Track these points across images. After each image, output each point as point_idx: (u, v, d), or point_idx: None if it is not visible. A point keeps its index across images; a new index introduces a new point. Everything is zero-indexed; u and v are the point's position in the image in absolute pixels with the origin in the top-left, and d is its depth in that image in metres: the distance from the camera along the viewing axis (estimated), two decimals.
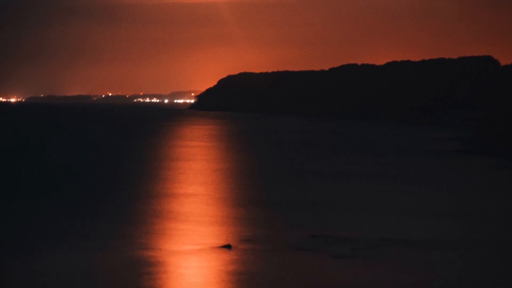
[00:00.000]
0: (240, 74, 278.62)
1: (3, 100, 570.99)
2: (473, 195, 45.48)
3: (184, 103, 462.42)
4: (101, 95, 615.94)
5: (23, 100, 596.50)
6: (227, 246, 27.73)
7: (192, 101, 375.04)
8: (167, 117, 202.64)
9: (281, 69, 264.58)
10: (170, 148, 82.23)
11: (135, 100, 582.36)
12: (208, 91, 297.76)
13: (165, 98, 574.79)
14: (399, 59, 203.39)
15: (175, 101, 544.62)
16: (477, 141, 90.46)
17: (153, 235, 29.75)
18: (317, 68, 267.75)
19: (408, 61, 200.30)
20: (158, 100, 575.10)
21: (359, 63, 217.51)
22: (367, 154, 76.06)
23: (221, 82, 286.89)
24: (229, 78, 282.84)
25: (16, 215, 34.65)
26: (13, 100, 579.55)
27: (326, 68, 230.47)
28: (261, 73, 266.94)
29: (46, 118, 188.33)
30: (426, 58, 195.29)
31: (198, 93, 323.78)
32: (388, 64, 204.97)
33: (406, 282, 23.36)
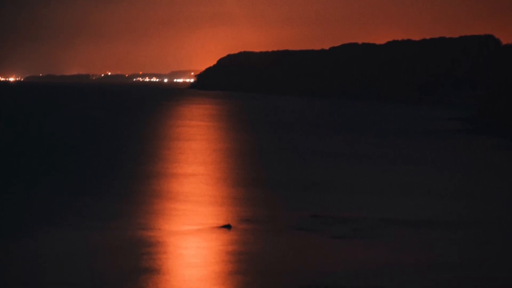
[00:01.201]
0: (240, 53, 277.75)
1: (2, 79, 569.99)
2: (474, 175, 45.32)
3: (184, 83, 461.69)
4: (100, 75, 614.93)
5: (22, 79, 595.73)
6: (227, 226, 27.58)
7: (192, 80, 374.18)
8: (167, 97, 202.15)
9: (281, 48, 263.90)
10: (169, 128, 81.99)
11: (134, 80, 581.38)
12: (208, 70, 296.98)
13: (165, 78, 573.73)
14: (399, 38, 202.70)
15: (175, 80, 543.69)
16: (478, 121, 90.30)
17: (153, 215, 29.59)
18: (317, 47, 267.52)
19: (409, 40, 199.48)
20: (157, 80, 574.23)
21: (360, 42, 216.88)
22: (367, 134, 75.86)
23: (221, 61, 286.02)
24: (229, 57, 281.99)
25: (14, 194, 34.47)
26: (12, 79, 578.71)
27: (327, 47, 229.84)
28: (261, 52, 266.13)
29: (45, 97, 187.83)
30: (427, 37, 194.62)
31: (198, 73, 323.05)
32: (388, 43, 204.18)
33: (407, 262, 23.23)
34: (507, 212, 32.62)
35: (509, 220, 30.77)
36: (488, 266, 23.10)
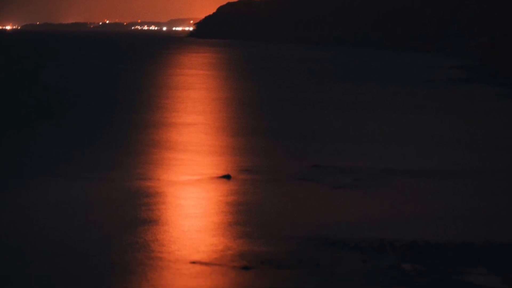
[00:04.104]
0: (240, 1, 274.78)
1: None
2: (477, 124, 44.93)
3: (183, 31, 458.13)
4: (98, 23, 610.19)
5: (19, 27, 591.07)
6: (227, 177, 27.24)
7: (191, 28, 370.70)
8: (166, 45, 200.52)
9: None
10: (168, 77, 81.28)
11: (132, 28, 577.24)
12: (207, 18, 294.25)
13: (164, 26, 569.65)
14: None
15: (174, 28, 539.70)
16: (480, 70, 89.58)
17: (151, 165, 29.25)
18: None
19: None
20: (156, 28, 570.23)
21: None
22: (368, 83, 75.26)
23: (221, 9, 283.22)
24: (229, 5, 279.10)
25: (9, 143, 34.10)
26: (8, 27, 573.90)
27: None
28: (261, 1, 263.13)
29: (42, 45, 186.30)
30: None
31: (197, 21, 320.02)
32: None
33: (409, 213, 23.00)
34: (510, 161, 32.30)
35: None
36: (491, 216, 22.85)
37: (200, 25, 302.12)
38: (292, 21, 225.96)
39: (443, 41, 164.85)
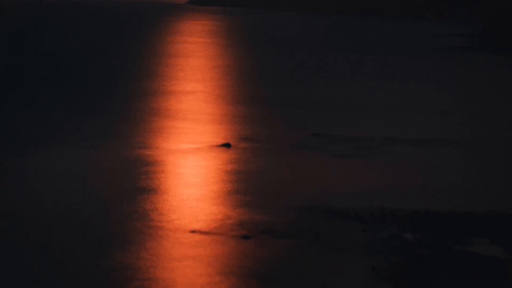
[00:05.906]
0: None
1: None
2: (478, 94, 44.69)
3: None
4: None
5: None
6: (226, 145, 27.08)
7: None
8: (165, 12, 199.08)
9: None
10: (168, 44, 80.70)
11: None
12: None
13: None
14: None
15: None
16: (483, 38, 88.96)
17: (151, 134, 29.07)
18: None
19: None
20: None
21: None
22: (370, 52, 74.74)
23: None
24: None
25: (10, 112, 33.88)
26: None
27: None
28: None
29: (41, 14, 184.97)
30: None
31: None
32: None
33: (410, 182, 22.91)
34: (511, 130, 32.13)
35: None
36: (493, 187, 22.75)
37: None
38: None
39: (445, 9, 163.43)
